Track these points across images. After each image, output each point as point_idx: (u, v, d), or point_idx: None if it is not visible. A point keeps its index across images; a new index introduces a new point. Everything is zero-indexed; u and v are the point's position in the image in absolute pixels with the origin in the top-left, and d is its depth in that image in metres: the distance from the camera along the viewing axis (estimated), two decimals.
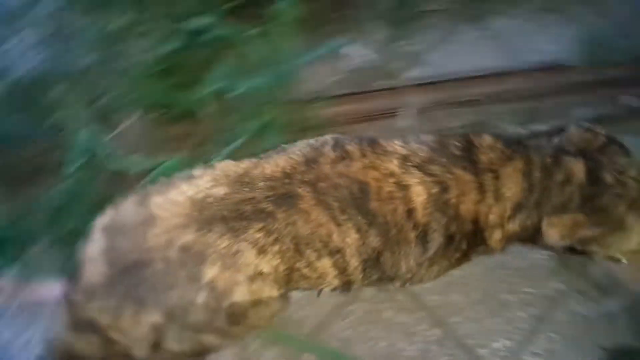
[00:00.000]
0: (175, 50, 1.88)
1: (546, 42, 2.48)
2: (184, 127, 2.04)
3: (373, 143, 1.30)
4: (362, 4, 2.39)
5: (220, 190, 1.16)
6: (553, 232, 1.32)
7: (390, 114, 2.16)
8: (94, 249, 1.12)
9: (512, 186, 1.29)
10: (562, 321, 1.96)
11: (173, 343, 1.15)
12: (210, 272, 1.11)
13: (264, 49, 1.74)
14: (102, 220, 1.16)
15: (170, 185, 1.19)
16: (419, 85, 2.22)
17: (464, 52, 2.37)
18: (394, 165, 1.25)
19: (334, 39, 2.23)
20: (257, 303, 1.21)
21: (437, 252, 1.30)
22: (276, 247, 1.17)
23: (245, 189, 1.17)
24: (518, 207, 1.30)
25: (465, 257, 1.38)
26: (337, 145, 1.29)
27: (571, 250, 1.42)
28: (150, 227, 1.10)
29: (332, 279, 1.30)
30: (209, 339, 1.22)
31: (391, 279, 1.37)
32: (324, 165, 1.23)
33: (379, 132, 2.09)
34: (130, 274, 1.08)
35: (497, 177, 1.29)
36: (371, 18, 2.36)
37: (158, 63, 2.00)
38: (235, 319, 1.20)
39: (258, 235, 1.15)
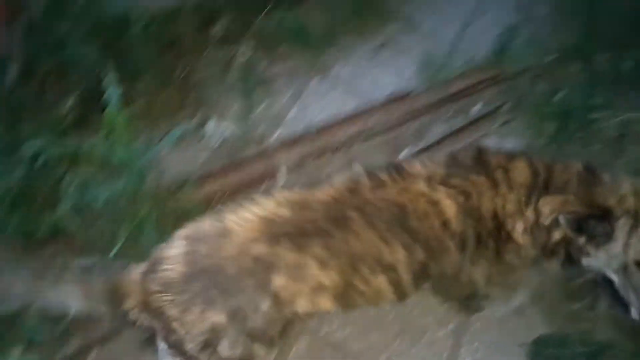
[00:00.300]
0: (22, 177, 1.85)
1: (388, 75, 2.82)
2: (53, 248, 1.98)
3: (399, 169, 1.52)
4: (210, 82, 2.53)
5: (285, 212, 1.36)
6: (545, 208, 1.50)
7: (265, 177, 2.27)
8: (175, 251, 1.31)
9: (521, 173, 1.52)
10: (479, 329, 2.13)
11: (225, 346, 1.30)
12: (278, 281, 1.30)
13: (112, 152, 1.78)
14: (184, 231, 1.36)
15: (241, 206, 1.38)
16: (285, 144, 2.37)
17: (317, 103, 2.60)
18: (422, 186, 1.47)
19: (190, 121, 2.33)
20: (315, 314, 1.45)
21: (473, 254, 1.50)
22: (335, 262, 1.36)
23: (305, 211, 1.38)
24: (531, 190, 1.50)
25: (499, 256, 1.54)
26: (370, 175, 1.49)
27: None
28: (225, 239, 1.30)
29: (389, 294, 1.48)
30: (259, 350, 1.37)
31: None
32: (365, 192, 1.45)
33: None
34: (204, 276, 1.27)
35: (506, 171, 1.51)
36: (222, 92, 2.50)
37: (7, 192, 1.94)
38: (289, 329, 1.40)
39: (320, 250, 1.34)
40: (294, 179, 2.29)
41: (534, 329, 2.13)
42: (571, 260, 1.54)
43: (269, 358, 1.43)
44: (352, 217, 1.40)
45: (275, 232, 1.32)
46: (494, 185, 1.49)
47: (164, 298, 1.28)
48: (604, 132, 2.67)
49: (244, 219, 1.34)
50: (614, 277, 1.51)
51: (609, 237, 1.44)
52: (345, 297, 1.43)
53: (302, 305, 1.36)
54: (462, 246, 1.49)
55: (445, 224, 1.46)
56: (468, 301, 2.10)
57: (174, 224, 2.01)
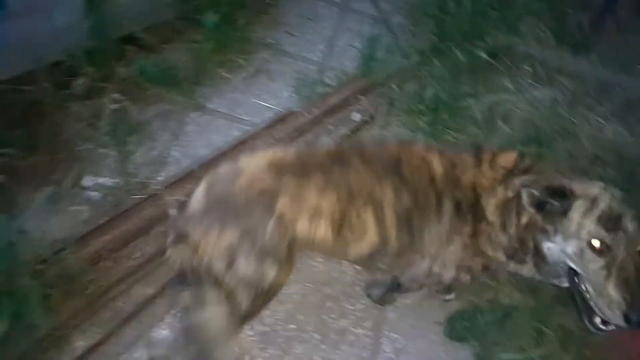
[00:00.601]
0: None
1: (266, 100, 2.98)
2: None
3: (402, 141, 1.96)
4: (79, 138, 2.53)
5: (291, 155, 1.71)
6: (512, 183, 1.71)
7: (155, 221, 2.29)
8: (198, 191, 1.64)
9: (507, 159, 1.78)
10: (395, 319, 2.28)
11: (240, 264, 1.56)
12: (281, 204, 1.59)
13: None
14: (208, 176, 1.69)
15: (254, 153, 1.74)
16: (172, 184, 2.41)
17: (199, 139, 2.69)
18: (420, 148, 1.83)
19: (64, 180, 2.32)
20: (312, 244, 1.67)
21: (451, 223, 1.74)
22: (334, 191, 1.66)
23: (310, 155, 1.74)
24: (509, 173, 1.74)
25: (474, 237, 1.75)
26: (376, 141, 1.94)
27: None
28: (237, 176, 1.63)
29: (373, 233, 1.73)
30: (269, 272, 1.60)
31: (420, 250, 1.78)
32: (368, 147, 1.84)
33: (155, 240, 2.24)
34: (220, 206, 1.59)
35: (494, 156, 1.79)
36: (95, 146, 2.50)
37: None
38: (291, 254, 1.65)
39: (320, 180, 1.66)
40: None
41: (446, 308, 2.32)
42: (539, 254, 1.68)
43: (278, 279, 1.65)
44: (352, 158, 1.75)
45: (281, 169, 1.65)
46: (479, 163, 1.79)
47: (189, 224, 1.58)
48: (474, 116, 3.01)
49: (255, 161, 1.68)
50: (574, 265, 1.58)
51: (564, 213, 1.57)
52: (339, 227, 1.69)
53: (302, 227, 1.63)
54: (441, 205, 1.75)
55: (432, 180, 1.76)
56: (386, 296, 2.26)
57: (63, 289, 2.02)
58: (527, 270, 1.79)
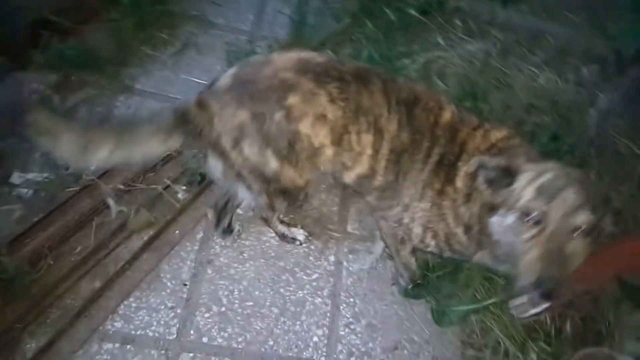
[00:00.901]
0: None
1: (198, 74, 2.99)
2: None
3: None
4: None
5: (321, 59, 1.91)
6: (475, 159, 1.76)
7: (93, 213, 2.30)
8: (228, 72, 1.88)
9: (497, 135, 1.91)
10: (351, 284, 2.41)
11: (246, 145, 1.83)
12: (292, 99, 1.80)
13: None
14: (241, 61, 2.01)
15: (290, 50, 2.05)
16: (106, 172, 2.41)
17: None
18: (443, 98, 2.00)
19: None
20: (312, 150, 1.88)
21: (429, 175, 1.89)
22: (343, 103, 1.85)
23: (336, 64, 1.91)
24: (491, 148, 1.87)
25: (441, 193, 1.90)
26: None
27: None
28: (265, 65, 1.86)
29: (366, 161, 1.93)
30: (271, 161, 1.87)
31: (398, 195, 1.96)
32: (395, 77, 2.01)
33: (96, 232, 2.25)
34: (242, 87, 1.82)
35: (492, 129, 1.93)
36: (17, 140, 2.45)
37: None
38: (292, 149, 1.86)
39: (334, 90, 1.84)
40: (130, 200, 2.38)
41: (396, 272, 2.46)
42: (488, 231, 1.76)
43: (283, 174, 1.92)
44: (374, 81, 1.91)
45: (305, 68, 1.84)
46: (478, 128, 1.94)
47: (212, 96, 1.84)
48: (410, 75, 3.13)
49: (286, 56, 1.92)
50: (512, 237, 1.61)
51: (508, 186, 1.64)
52: (338, 140, 1.90)
53: (305, 126, 1.84)
54: (430, 153, 1.90)
55: (435, 124, 1.92)
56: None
57: (2, 294, 2.01)
58: (483, 255, 1.93)
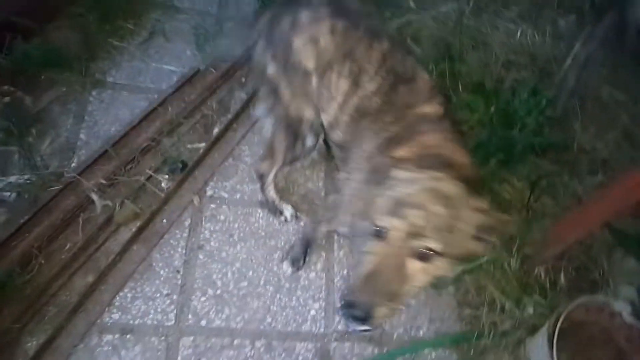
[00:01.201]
0: None
1: (168, 62, 3.06)
2: None
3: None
4: None
5: (354, 5, 2.12)
6: None
7: (79, 209, 2.40)
8: (263, 19, 2.20)
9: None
10: (343, 256, 2.53)
11: (271, 68, 2.12)
12: (303, 13, 2.06)
13: None
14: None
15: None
16: (87, 169, 2.50)
17: (106, 116, 2.76)
18: (439, 96, 1.99)
19: None
20: (303, 73, 2.06)
21: (379, 145, 1.91)
22: (339, 40, 2.01)
23: (365, 15, 2.11)
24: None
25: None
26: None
27: None
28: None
29: (334, 108, 2.09)
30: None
31: (345, 162, 2.14)
32: (408, 59, 2.08)
33: (83, 227, 2.35)
34: (280, 43, 2.08)
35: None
36: None
37: None
38: (287, 63, 2.06)
39: (339, 26, 2.01)
40: (114, 193, 2.47)
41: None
42: None
43: (273, 70, 2.13)
44: (381, 41, 2.01)
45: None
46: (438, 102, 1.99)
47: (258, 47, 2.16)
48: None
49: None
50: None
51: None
52: (321, 73, 2.05)
53: (299, 42, 2.03)
54: (390, 125, 1.92)
55: (411, 107, 1.92)
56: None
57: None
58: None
